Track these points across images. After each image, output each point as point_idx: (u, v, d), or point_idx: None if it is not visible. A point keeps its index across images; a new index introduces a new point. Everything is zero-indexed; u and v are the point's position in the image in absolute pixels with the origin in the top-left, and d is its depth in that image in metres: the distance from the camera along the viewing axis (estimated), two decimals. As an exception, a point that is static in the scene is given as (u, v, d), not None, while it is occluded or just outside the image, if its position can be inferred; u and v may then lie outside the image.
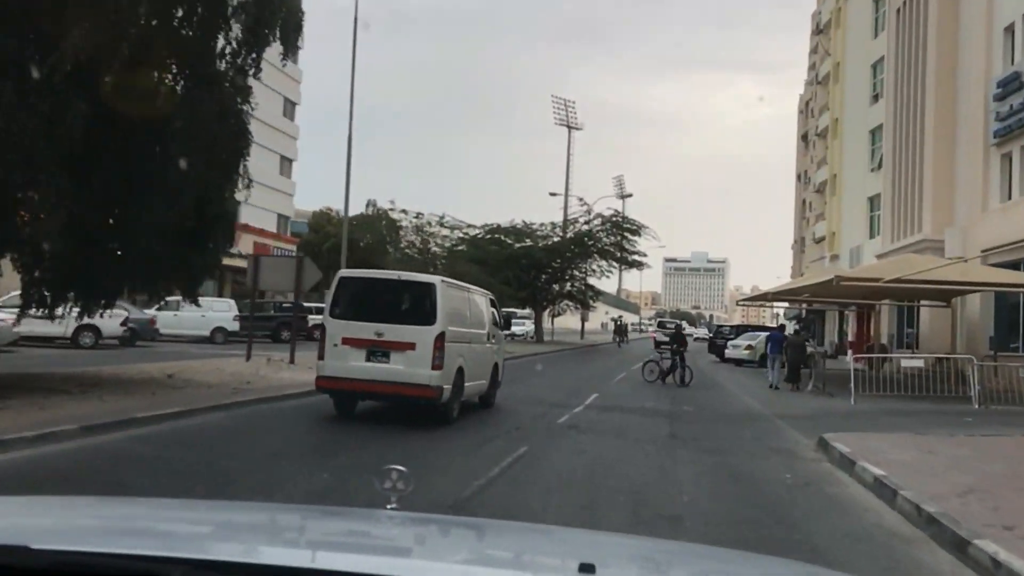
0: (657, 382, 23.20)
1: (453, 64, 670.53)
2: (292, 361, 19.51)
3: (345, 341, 11.91)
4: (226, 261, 42.02)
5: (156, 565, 1.56)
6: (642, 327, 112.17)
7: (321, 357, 12.20)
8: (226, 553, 1.87)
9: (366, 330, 11.88)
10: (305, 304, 42.31)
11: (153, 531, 2.14)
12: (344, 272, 13.19)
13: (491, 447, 10.38)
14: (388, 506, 2.36)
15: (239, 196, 15.81)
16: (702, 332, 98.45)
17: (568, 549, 2.33)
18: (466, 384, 12.89)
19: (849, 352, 41.37)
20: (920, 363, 20.50)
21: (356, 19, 23.55)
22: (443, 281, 12.88)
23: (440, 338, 11.78)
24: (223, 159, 12.39)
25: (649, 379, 23.42)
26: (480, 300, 14.81)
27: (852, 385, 20.26)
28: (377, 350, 11.82)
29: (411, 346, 11.74)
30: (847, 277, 20.28)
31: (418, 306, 12.15)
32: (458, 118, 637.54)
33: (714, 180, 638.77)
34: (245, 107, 13.61)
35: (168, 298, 36.90)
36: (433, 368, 11.67)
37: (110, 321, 28.72)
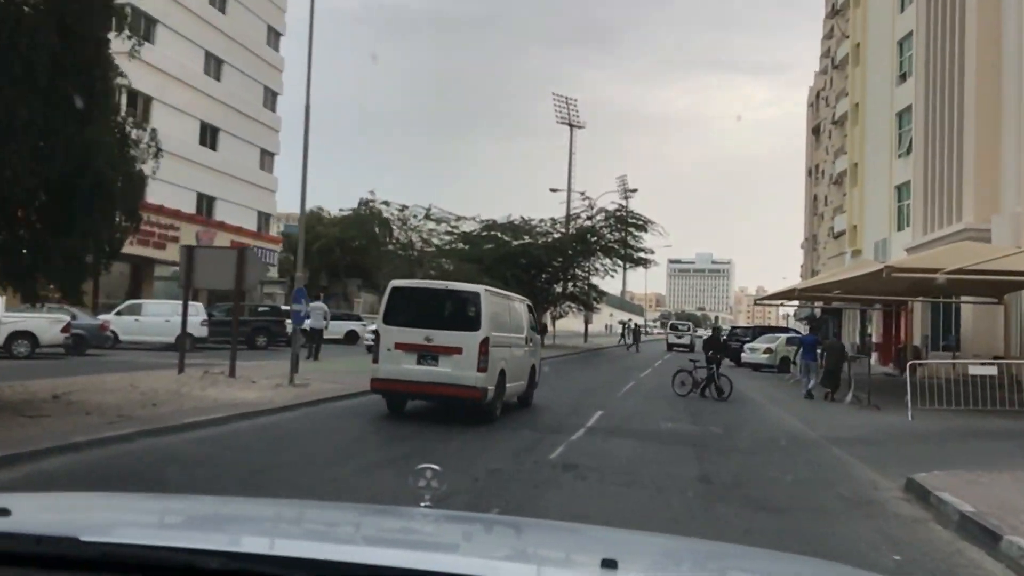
0: (690, 394, 19.60)
1: (453, 67, 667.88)
2: (232, 374, 16.12)
3: (397, 346, 12.88)
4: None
5: (195, 556, 1.60)
6: (647, 329, 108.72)
7: (375, 360, 13.13)
8: (259, 546, 1.91)
9: (416, 335, 12.83)
10: (283, 307, 39.03)
11: (192, 525, 2.22)
12: (395, 282, 14.21)
13: (444, 512, 6.94)
14: (422, 504, 2.39)
15: (147, 169, 12.35)
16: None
17: (594, 546, 2.30)
18: (507, 385, 13.82)
19: (873, 355, 38.06)
20: (993, 370, 17.06)
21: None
22: (487, 290, 13.78)
23: (485, 343, 12.70)
24: (72, 95, 8.92)
25: (681, 392, 19.80)
26: (519, 306, 15.82)
27: (908, 397, 16.86)
28: (427, 354, 12.77)
29: (458, 350, 12.65)
30: (899, 268, 16.91)
31: (464, 313, 13.08)
32: (458, 120, 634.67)
33: (717, 181, 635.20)
34: (106, 27, 10.10)
35: (131, 301, 34.37)
36: (478, 371, 12.59)
37: (50, 326, 25.53)
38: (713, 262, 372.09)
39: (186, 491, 7.57)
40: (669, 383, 25.59)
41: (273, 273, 49.48)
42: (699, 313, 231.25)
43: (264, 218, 48.68)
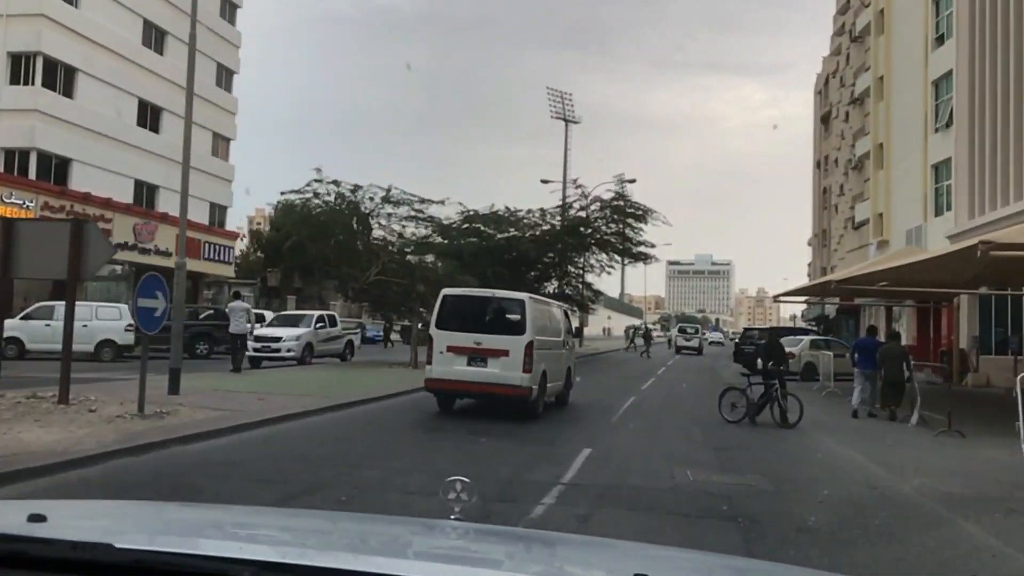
0: (743, 420, 14.69)
1: (450, 69, 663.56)
2: (64, 400, 11.29)
3: (449, 349, 14.00)
4: (151, 260, 34.00)
5: (228, 565, 1.61)
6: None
7: (429, 362, 14.26)
8: (292, 556, 1.88)
9: (467, 339, 13.99)
10: (226, 310, 34.20)
11: (226, 534, 2.22)
12: (447, 291, 15.07)
13: None
14: (452, 516, 2.39)
15: None
16: (717, 336, 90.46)
17: (627, 561, 2.28)
18: (548, 385, 14.78)
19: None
20: None
21: None
22: (531, 297, 14.80)
23: (530, 346, 13.79)
24: None
25: (732, 418, 14.63)
26: (557, 312, 16.92)
27: (1020, 423, 11.99)
28: (476, 356, 13.90)
29: (505, 353, 13.74)
30: (1000, 244, 12.15)
31: (511, 319, 14.28)
32: (454, 122, 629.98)
33: (717, 183, 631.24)
34: None
35: (40, 303, 29.50)
36: (524, 371, 13.66)
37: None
38: (713, 263, 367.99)
39: None
40: (678, 397, 20.89)
41: (230, 272, 44.71)
42: (699, 315, 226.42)
43: (219, 210, 43.70)
